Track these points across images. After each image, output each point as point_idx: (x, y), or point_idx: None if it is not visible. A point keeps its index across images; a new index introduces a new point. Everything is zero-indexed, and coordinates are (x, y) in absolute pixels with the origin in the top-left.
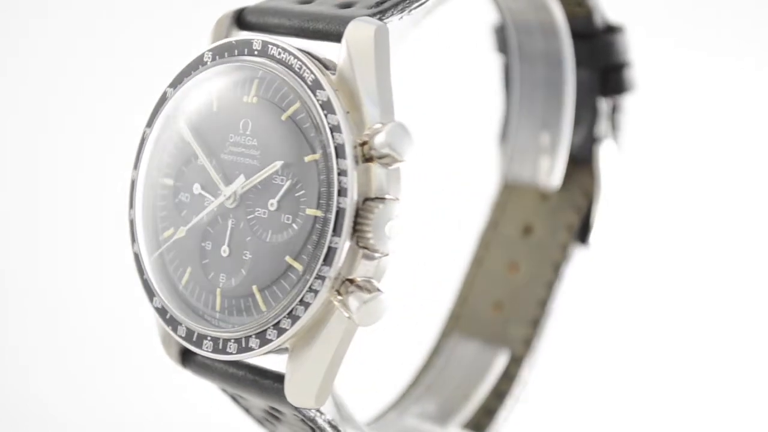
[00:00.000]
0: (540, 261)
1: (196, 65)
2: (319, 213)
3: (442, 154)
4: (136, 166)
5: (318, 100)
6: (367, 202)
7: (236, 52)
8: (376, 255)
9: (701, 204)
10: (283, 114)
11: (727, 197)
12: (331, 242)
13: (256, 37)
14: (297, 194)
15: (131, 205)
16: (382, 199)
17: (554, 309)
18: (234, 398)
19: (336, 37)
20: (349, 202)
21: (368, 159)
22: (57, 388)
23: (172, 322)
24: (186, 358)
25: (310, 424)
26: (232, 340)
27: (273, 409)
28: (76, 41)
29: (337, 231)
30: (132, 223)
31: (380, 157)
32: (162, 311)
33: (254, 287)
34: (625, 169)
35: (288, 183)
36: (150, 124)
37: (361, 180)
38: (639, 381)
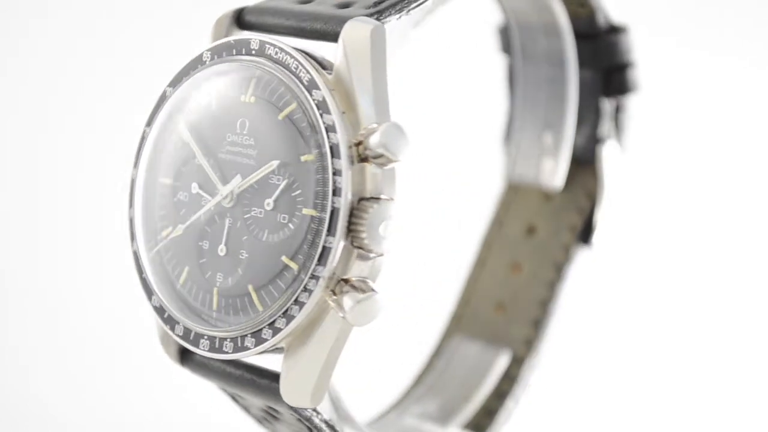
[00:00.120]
0: (542, 261)
1: (195, 64)
2: (314, 213)
3: (444, 154)
4: (135, 164)
5: (314, 100)
6: (362, 202)
7: (234, 51)
8: (371, 255)
9: (704, 205)
10: (279, 113)
11: (730, 198)
12: (325, 242)
13: (254, 37)
14: (293, 194)
15: (131, 204)
16: (376, 199)
17: (556, 310)
18: (233, 397)
19: (333, 36)
20: (344, 202)
21: (363, 159)
22: (57, 387)
23: (170, 321)
24: (185, 357)
25: (307, 423)
26: (228, 339)
27: (270, 408)
28: (76, 41)
29: (331, 231)
30: (131, 221)
31: (375, 157)
32: (160, 310)
33: (250, 287)
34: (628, 169)
35: (284, 183)
36: (150, 123)
37: (356, 180)
38: (640, 382)
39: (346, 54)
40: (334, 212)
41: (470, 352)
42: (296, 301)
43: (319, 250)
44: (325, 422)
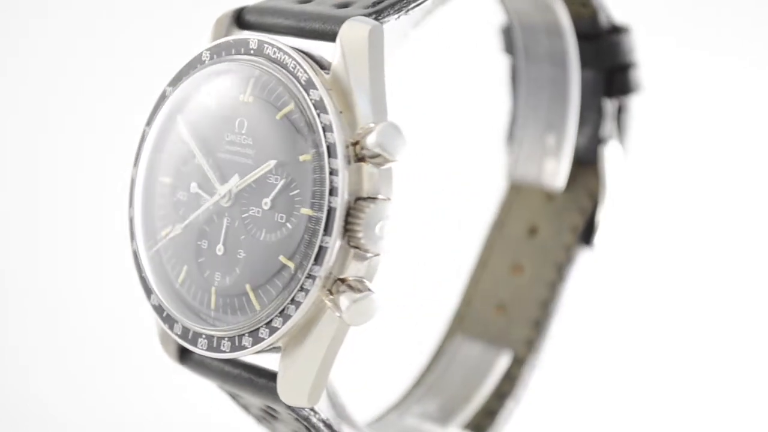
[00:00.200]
0: (544, 262)
1: (195, 64)
2: (311, 212)
3: (446, 154)
4: (135, 164)
5: (311, 100)
6: (358, 202)
7: (233, 51)
8: (368, 255)
9: (706, 206)
10: (277, 113)
11: (732, 199)
12: (322, 242)
13: (253, 37)
14: (291, 193)
15: (130, 203)
16: (373, 198)
17: (557, 310)
18: (232, 396)
19: (331, 36)
20: (340, 202)
21: (360, 159)
22: (57, 387)
23: (169, 320)
24: (184, 355)
25: (305, 422)
26: (226, 339)
27: (269, 407)
28: (76, 41)
29: (328, 230)
30: (131, 221)
31: (372, 157)
32: (159, 309)
33: (248, 286)
34: (630, 170)
35: (282, 182)
36: (149, 122)
37: (353, 179)
38: (640, 383)
39: (344, 54)
40: (330, 212)
41: (471, 352)
42: (293, 301)
43: (316, 249)
44: (323, 422)
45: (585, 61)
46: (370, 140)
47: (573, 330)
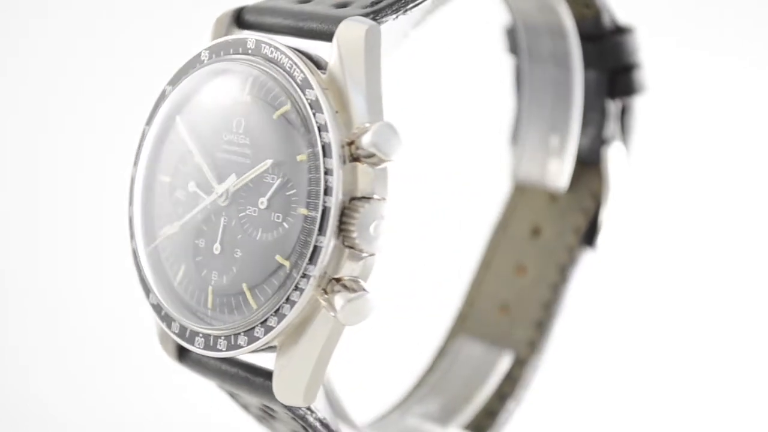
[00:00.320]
0: (546, 263)
1: (194, 63)
2: (307, 212)
3: (449, 154)
4: (135, 163)
5: (307, 99)
6: (353, 202)
7: (231, 50)
8: (363, 254)
9: (709, 208)
10: (274, 113)
11: (735, 199)
12: (316, 241)
13: (251, 36)
14: (288, 193)
15: (130, 202)
16: (368, 198)
17: (559, 311)
18: (232, 395)
19: (328, 36)
20: (335, 201)
21: (355, 158)
22: (56, 387)
23: (167, 319)
24: (182, 354)
25: (301, 422)
26: (222, 338)
27: (266, 406)
28: (76, 41)
29: (322, 230)
30: (131, 219)
31: (367, 157)
32: (157, 307)
33: (244, 285)
34: (633, 171)
35: (278, 181)
36: (149, 121)
37: (348, 179)
38: (642, 385)
39: (340, 53)
40: (325, 211)
41: (474, 352)
42: (288, 300)
43: (311, 249)
44: (320, 421)
45: (588, 62)
46: (365, 140)
47: (575, 331)
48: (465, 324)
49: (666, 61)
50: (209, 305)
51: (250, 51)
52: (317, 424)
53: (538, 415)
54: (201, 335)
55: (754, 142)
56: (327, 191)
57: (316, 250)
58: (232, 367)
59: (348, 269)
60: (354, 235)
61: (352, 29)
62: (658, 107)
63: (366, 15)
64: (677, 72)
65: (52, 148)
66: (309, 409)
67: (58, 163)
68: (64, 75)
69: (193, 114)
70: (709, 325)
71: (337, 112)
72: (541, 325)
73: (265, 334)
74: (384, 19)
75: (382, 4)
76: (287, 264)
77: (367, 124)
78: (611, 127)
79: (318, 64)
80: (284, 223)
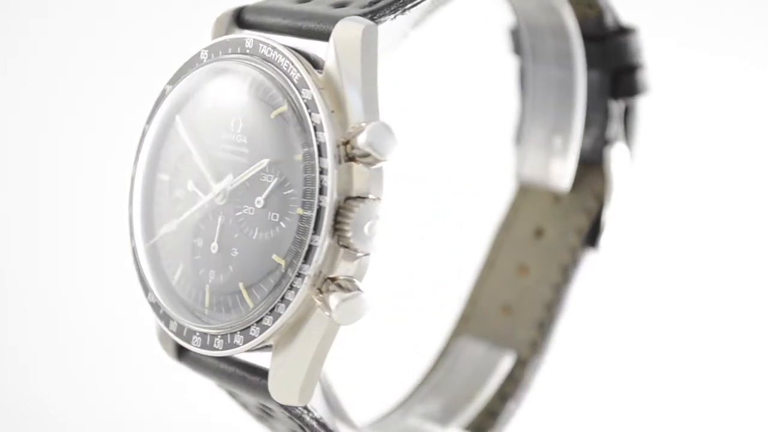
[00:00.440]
0: (549, 263)
1: (194, 63)
2: (302, 212)
3: (451, 154)
4: (135, 161)
5: (303, 99)
6: (348, 201)
7: (230, 50)
8: (357, 254)
9: (712, 209)
10: (271, 112)
11: (738, 200)
12: (311, 240)
13: (249, 36)
14: (285, 193)
15: (130, 201)
16: (363, 198)
17: (561, 312)
18: (231, 394)
19: (326, 36)
20: (329, 201)
21: (351, 158)
22: (56, 387)
23: (165, 318)
24: (182, 353)
25: (298, 421)
26: (219, 336)
27: (264, 405)
28: (76, 41)
29: (317, 229)
30: (131, 218)
31: (362, 156)
32: (156, 306)
33: (241, 284)
34: (636, 171)
35: (275, 181)
36: (149, 120)
37: (343, 179)
38: (644, 386)
39: (337, 53)
40: (320, 211)
41: (476, 352)
42: (283, 299)
43: (306, 248)
44: (316, 420)
45: (591, 63)
46: (361, 140)
47: (577, 332)
48: (468, 324)
49: (669, 62)
50: (206, 304)
51: (248, 50)
52: (314, 423)
53: (539, 415)
54: (198, 334)
55: (756, 143)
56: (322, 191)
57: (310, 249)
58: (230, 366)
59: (343, 269)
60: (349, 234)
61: (348, 29)
62: (661, 108)
63: (364, 15)
64: (680, 72)
65: (52, 148)
66: (305, 408)
67: (59, 162)
68: (64, 74)
69: (193, 113)
70: (711, 326)
71: (333, 111)
72: (543, 326)
73: (260, 333)
74: (382, 19)
75: (380, 4)
76: (283, 263)
77: (363, 124)
78: (614, 127)
79: (315, 64)
80: (281, 223)
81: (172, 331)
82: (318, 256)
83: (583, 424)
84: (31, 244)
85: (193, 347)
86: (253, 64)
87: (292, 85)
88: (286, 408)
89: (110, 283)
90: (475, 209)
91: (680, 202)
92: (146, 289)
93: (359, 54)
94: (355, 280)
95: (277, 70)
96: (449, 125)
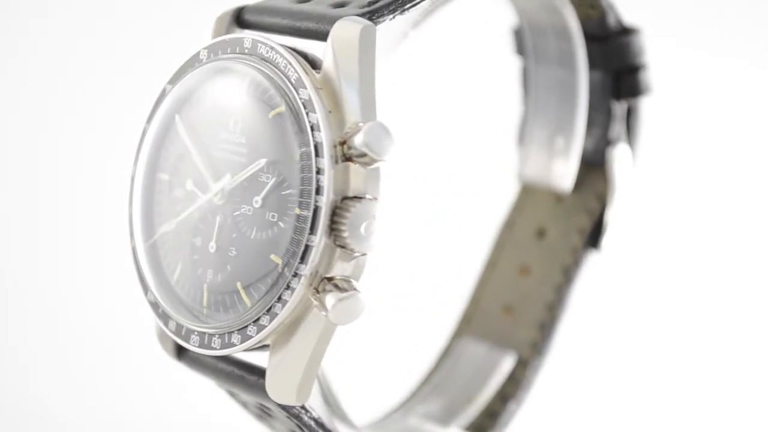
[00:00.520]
0: (551, 264)
1: (193, 62)
2: (300, 211)
3: (456, 155)
4: (135, 161)
5: (300, 99)
6: (344, 201)
7: (229, 50)
8: (354, 254)
9: (714, 209)
10: (270, 112)
11: (739, 200)
12: (308, 240)
13: (248, 36)
14: (284, 192)
15: (130, 201)
16: (359, 198)
17: (562, 313)
18: (231, 393)
19: (324, 36)
20: (326, 201)
21: (348, 158)
22: (56, 386)
23: (164, 317)
24: (181, 352)
25: (296, 421)
26: (216, 336)
27: (263, 405)
28: (76, 41)
29: (313, 229)
30: (130, 218)
31: (359, 156)
32: (155, 305)
33: (239, 284)
34: (638, 172)
35: (273, 181)
36: (149, 120)
37: (339, 179)
38: (645, 388)
39: (335, 53)
40: (317, 211)
41: (477, 353)
42: (280, 299)
43: (302, 248)
44: (314, 420)
45: (593, 63)
46: (357, 140)
47: (578, 333)
48: (470, 324)
49: (672, 62)
50: (204, 303)
51: (246, 50)
52: (312, 423)
53: (540, 416)
54: (196, 333)
55: (759, 143)
56: (318, 191)
57: (307, 249)
58: (228, 366)
59: (339, 269)
60: (345, 234)
61: (346, 29)
62: (664, 108)
63: (362, 15)
64: (683, 73)
65: (52, 147)
66: (303, 408)
67: (59, 162)
68: (64, 74)
69: (192, 112)
70: (713, 327)
71: (330, 111)
72: (544, 327)
73: (257, 333)
74: (381, 19)
75: (378, 4)
76: (280, 263)
77: (360, 124)
78: (616, 128)
79: (314, 64)
80: (280, 223)
81: (171, 331)
82: (314, 256)
83: (583, 425)
84: (31, 244)
85: (192, 346)
86: (252, 63)
87: (289, 85)
88: (283, 407)
89: (110, 283)
90: (477, 209)
91: (682, 202)
92: (146, 288)
93: (357, 54)
94: (351, 280)
95: (276, 70)
96: (452, 125)
